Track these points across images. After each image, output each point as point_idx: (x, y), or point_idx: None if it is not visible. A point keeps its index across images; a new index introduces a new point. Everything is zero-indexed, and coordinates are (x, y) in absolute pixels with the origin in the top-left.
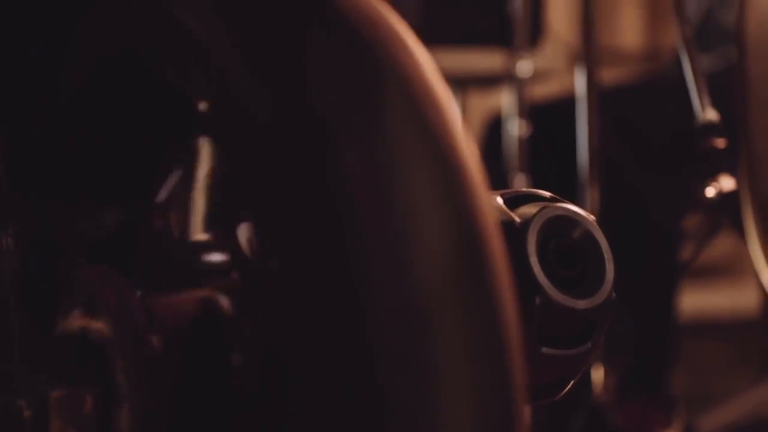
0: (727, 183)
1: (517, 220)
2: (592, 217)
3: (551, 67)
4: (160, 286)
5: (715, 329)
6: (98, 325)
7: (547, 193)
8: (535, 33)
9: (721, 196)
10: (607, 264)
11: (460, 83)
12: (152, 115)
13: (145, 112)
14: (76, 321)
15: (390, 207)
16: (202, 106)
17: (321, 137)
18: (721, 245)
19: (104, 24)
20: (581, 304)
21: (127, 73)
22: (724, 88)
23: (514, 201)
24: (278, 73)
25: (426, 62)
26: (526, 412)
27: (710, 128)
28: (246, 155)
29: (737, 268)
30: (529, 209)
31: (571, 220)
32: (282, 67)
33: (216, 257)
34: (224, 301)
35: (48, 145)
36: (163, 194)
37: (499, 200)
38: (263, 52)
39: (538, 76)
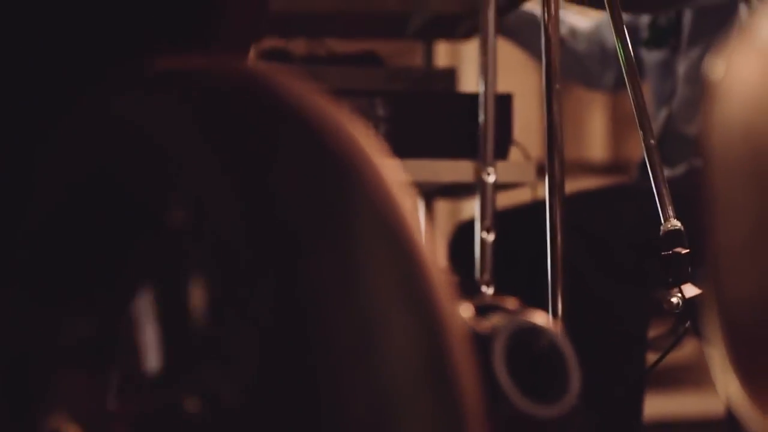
0: (690, 290)
1: (485, 330)
2: (557, 327)
3: (518, 177)
4: (132, 392)
5: None
6: (72, 430)
7: (514, 302)
8: (503, 144)
9: (685, 303)
10: (571, 373)
11: (429, 193)
12: (125, 231)
13: (119, 228)
14: (50, 425)
15: (359, 320)
16: (176, 223)
17: (292, 253)
18: (686, 349)
19: (78, 144)
20: (547, 412)
21: (101, 191)
22: (687, 195)
23: (482, 311)
24: (250, 188)
25: (392, 175)
26: None
27: (674, 236)
28: (217, 270)
29: (703, 373)
30: (496, 319)
31: (537, 330)
32: (254, 183)
33: (186, 366)
34: (194, 409)
35: (23, 255)
36: (136, 304)
37: (468, 310)
38: (236, 168)
39: (505, 186)
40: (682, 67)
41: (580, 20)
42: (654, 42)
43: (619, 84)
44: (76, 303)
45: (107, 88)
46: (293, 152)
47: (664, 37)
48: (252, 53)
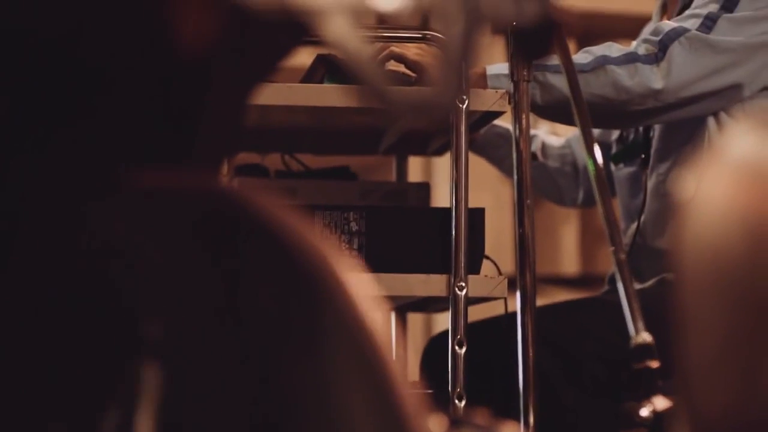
0: (661, 403)
1: None
2: None
3: (490, 292)
4: None
5: None
6: None
7: (486, 415)
8: (475, 259)
9: (656, 416)
10: None
11: (402, 306)
12: (102, 338)
13: (96, 335)
14: None
15: None
16: (152, 334)
17: (262, 371)
18: None
19: (49, 263)
20: None
21: (75, 308)
22: (657, 307)
23: (455, 424)
24: (221, 307)
25: (363, 291)
26: None
27: (644, 350)
28: (190, 387)
29: None
30: None
31: None
32: (225, 302)
33: None
34: None
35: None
36: (111, 414)
37: (440, 424)
38: (207, 287)
39: (477, 300)
40: (651, 182)
41: (551, 137)
42: (623, 157)
43: (589, 199)
44: (48, 414)
45: (79, 204)
46: (264, 272)
47: (634, 152)
48: (224, 167)
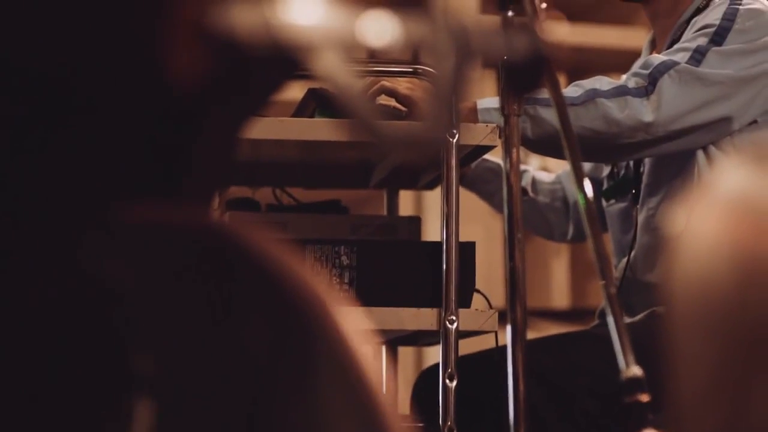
0: None
1: None
2: None
3: (481, 326)
4: None
5: None
6: None
7: None
8: (465, 292)
9: None
10: None
11: (393, 340)
12: (94, 374)
13: (87, 371)
14: None
15: None
16: (143, 369)
17: (253, 405)
18: None
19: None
20: None
21: (65, 342)
22: (647, 341)
23: None
24: (213, 342)
25: (353, 326)
26: None
27: (634, 384)
28: (182, 419)
29: None
30: None
31: None
32: (216, 337)
33: None
34: None
35: None
36: None
37: None
38: (198, 323)
39: (468, 333)
40: (641, 216)
41: (541, 173)
42: (614, 193)
43: (579, 235)
44: None
45: (70, 239)
46: (255, 306)
47: (624, 187)
48: (216, 201)
